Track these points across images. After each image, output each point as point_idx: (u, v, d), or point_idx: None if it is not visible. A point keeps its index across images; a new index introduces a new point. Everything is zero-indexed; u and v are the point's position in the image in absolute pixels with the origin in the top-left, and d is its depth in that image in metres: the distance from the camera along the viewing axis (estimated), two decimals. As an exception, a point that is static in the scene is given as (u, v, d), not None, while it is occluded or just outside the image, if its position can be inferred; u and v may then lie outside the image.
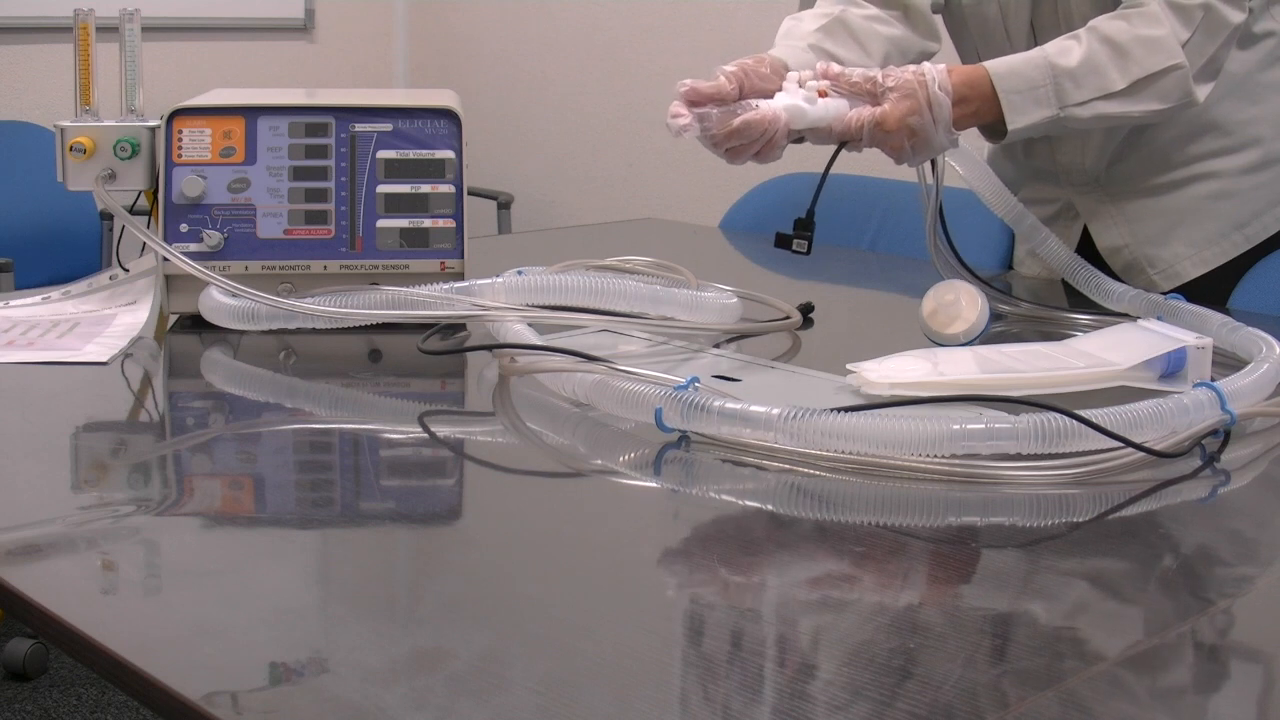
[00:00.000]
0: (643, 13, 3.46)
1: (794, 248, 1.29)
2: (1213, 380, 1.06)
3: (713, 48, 3.28)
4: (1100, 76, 1.35)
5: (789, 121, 1.27)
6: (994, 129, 1.37)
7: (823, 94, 1.28)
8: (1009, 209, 1.50)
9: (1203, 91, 1.40)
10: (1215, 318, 1.28)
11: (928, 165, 1.44)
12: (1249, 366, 1.10)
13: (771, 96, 1.29)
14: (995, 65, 1.34)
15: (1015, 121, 1.34)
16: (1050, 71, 1.34)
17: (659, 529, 0.94)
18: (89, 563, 0.83)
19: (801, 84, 1.29)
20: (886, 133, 1.28)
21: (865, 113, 1.28)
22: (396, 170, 1.38)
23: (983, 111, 1.34)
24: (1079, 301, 1.52)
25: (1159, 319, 1.30)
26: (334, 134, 1.38)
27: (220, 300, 1.30)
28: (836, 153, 1.31)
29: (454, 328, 1.31)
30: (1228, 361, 1.19)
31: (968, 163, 1.49)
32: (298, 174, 1.37)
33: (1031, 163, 1.66)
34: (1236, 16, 1.39)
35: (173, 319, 1.37)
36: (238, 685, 0.68)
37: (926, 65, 1.32)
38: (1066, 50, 1.35)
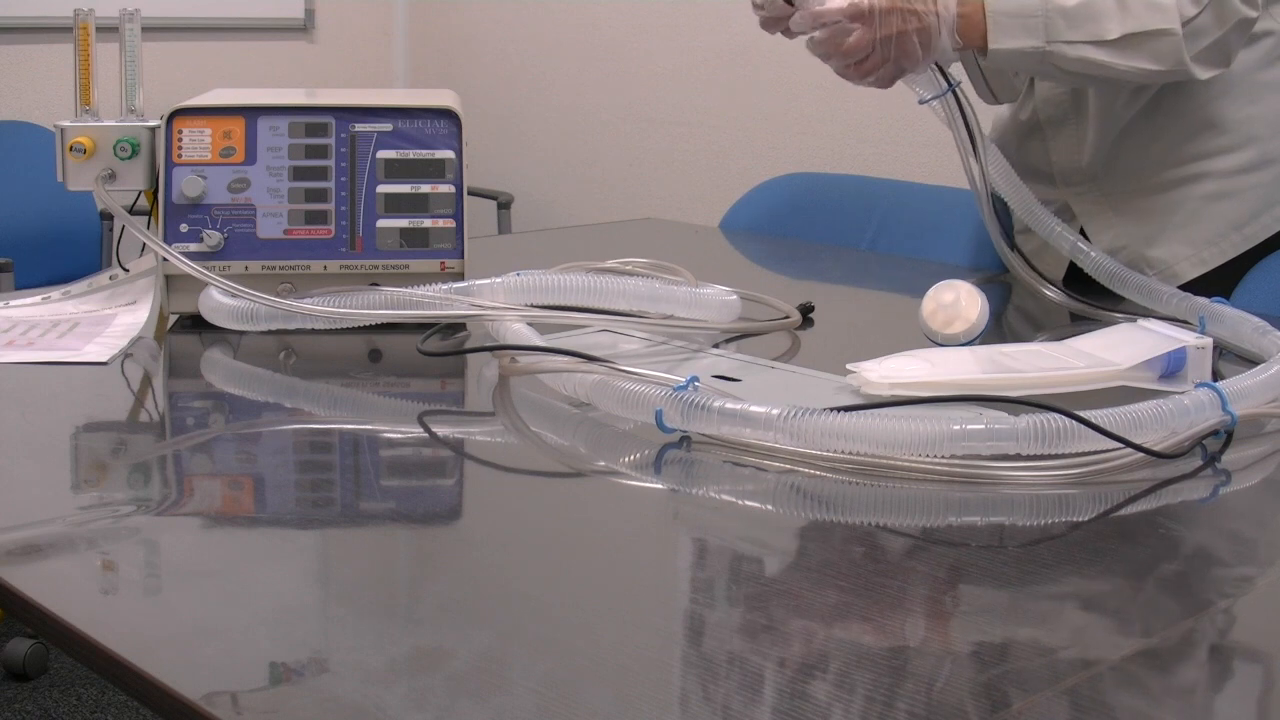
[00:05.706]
0: (643, 13, 3.46)
1: None
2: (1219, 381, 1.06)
3: (713, 48, 3.28)
4: (1095, 23, 1.37)
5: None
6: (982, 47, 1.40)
7: None
8: (1042, 224, 1.51)
9: (1204, 72, 1.41)
10: (1251, 321, 1.27)
11: (974, 162, 1.46)
12: (1258, 368, 1.10)
13: None
14: None
15: (999, 42, 1.36)
16: (1044, 4, 1.36)
17: (659, 529, 0.94)
18: (89, 563, 0.83)
19: None
20: (886, 13, 1.32)
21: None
22: (396, 170, 1.38)
23: (973, 24, 1.37)
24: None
25: (1201, 321, 1.30)
26: (334, 134, 1.38)
27: (220, 300, 1.30)
28: None
29: (454, 328, 1.31)
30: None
31: (1004, 175, 1.50)
32: (298, 174, 1.37)
33: (1026, 162, 1.64)
34: (1247, 11, 1.40)
35: (173, 319, 1.37)
36: (238, 685, 0.68)
37: None
38: None
